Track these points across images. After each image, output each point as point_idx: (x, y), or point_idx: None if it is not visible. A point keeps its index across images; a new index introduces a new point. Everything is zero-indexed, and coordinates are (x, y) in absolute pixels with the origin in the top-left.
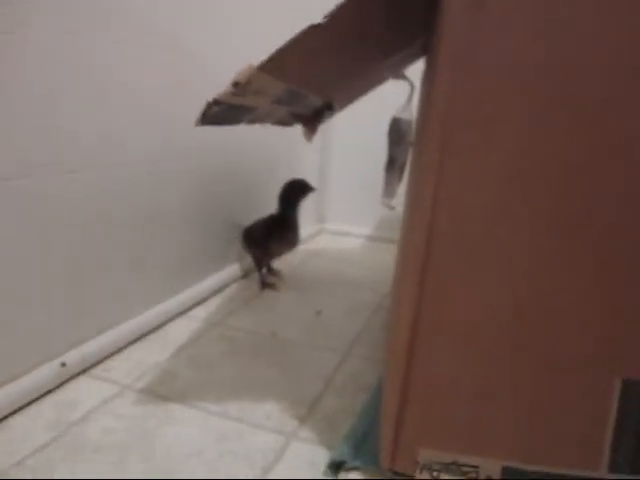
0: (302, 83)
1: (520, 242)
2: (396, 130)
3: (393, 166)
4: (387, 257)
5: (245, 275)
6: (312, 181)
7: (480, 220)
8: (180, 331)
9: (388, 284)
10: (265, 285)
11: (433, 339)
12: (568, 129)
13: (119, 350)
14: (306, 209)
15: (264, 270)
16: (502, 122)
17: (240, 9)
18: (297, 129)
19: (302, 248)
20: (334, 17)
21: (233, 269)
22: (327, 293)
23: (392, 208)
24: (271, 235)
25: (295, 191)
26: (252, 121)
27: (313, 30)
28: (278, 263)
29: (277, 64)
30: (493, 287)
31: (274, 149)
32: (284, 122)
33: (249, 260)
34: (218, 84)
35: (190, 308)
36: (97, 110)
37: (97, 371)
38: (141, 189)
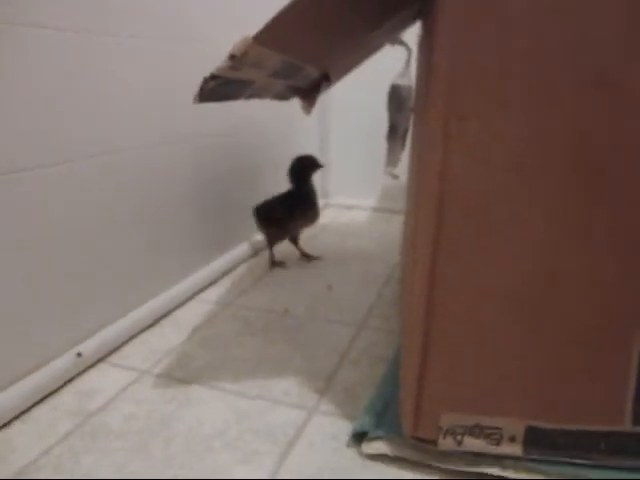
0: (297, 53)
1: (533, 207)
2: (396, 97)
3: (395, 134)
4: (393, 228)
5: (255, 254)
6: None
7: (491, 186)
8: (193, 314)
9: (396, 255)
10: (275, 264)
11: (451, 302)
12: (580, 88)
13: (134, 336)
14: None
15: (296, 246)
16: (511, 88)
17: None
18: (294, 103)
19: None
20: None
21: (242, 248)
22: (337, 267)
23: (396, 177)
24: (292, 212)
25: (304, 167)
26: (251, 96)
27: None
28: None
29: (272, 34)
30: (508, 251)
31: (271, 125)
32: (282, 96)
33: (258, 238)
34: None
35: (201, 290)
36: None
37: (114, 359)
38: (149, 171)
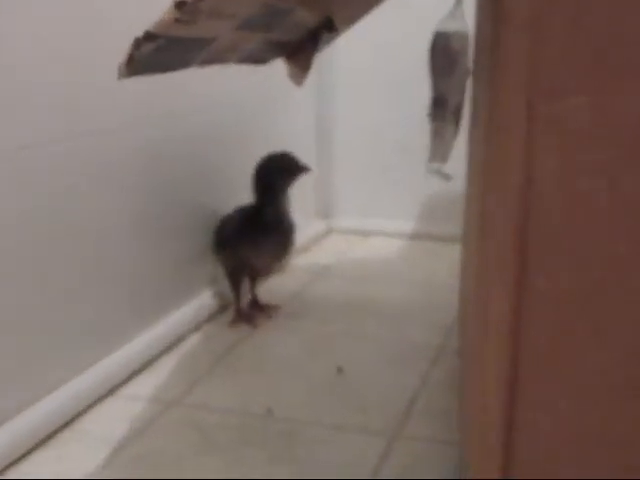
0: None
1: None
2: (443, 51)
3: (443, 110)
4: (444, 265)
5: (223, 308)
6: (307, 153)
7: (605, 199)
8: (113, 420)
9: (452, 310)
10: (241, 318)
11: (545, 388)
12: None
13: (17, 461)
14: (301, 199)
15: (251, 287)
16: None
17: None
18: (279, 69)
19: (300, 262)
20: None
21: (200, 302)
22: (350, 333)
23: (448, 179)
24: (243, 238)
25: (276, 172)
26: (207, 62)
27: None
28: (266, 289)
29: None
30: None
31: (244, 107)
32: (257, 58)
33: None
34: None
35: (127, 379)
36: None
37: None
38: (37, 182)
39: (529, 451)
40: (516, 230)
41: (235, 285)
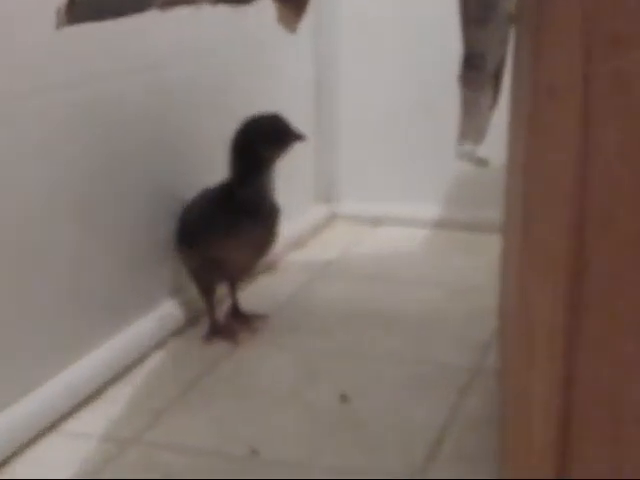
0: None
1: None
2: None
3: (478, 71)
4: (475, 261)
5: (193, 320)
6: (304, 118)
7: None
8: (51, 465)
9: (487, 320)
10: (217, 332)
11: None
12: None
13: None
14: (294, 178)
15: (232, 295)
16: None
17: None
18: (265, 10)
19: (294, 259)
20: None
21: (163, 312)
22: (357, 351)
23: (484, 164)
24: (213, 228)
25: (260, 140)
26: (169, 3)
27: None
28: (250, 295)
29: None
30: None
31: (220, 60)
32: None
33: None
34: None
35: (69, 413)
36: None
37: None
38: None
39: None
40: (569, 217)
41: (207, 290)
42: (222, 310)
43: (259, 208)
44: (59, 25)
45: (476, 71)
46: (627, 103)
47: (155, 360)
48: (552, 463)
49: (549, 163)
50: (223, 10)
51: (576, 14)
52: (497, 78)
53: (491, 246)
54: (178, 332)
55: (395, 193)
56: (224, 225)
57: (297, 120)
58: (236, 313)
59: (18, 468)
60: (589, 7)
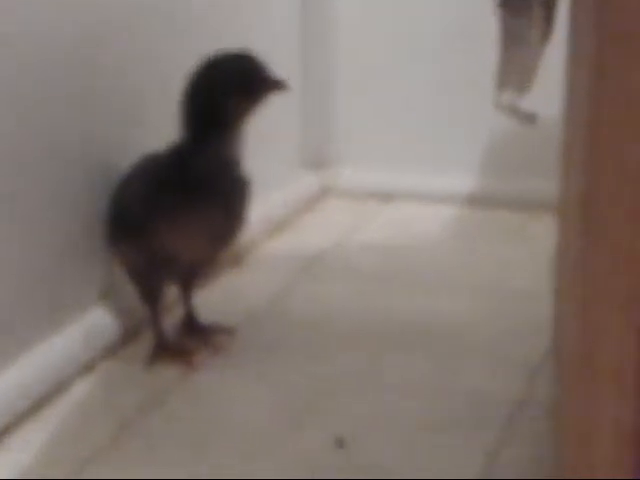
0: None
1: None
2: None
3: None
4: (522, 252)
5: (132, 335)
6: (287, 61)
7: None
8: None
9: (538, 336)
10: (166, 350)
11: None
12: None
13: None
14: (274, 138)
15: (185, 300)
16: None
17: None
18: None
19: (272, 249)
20: None
21: (89, 325)
22: (356, 378)
23: (530, 119)
24: (155, 211)
25: (224, 87)
26: None
27: None
28: (211, 300)
29: None
30: None
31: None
32: None
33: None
34: None
35: None
36: None
37: None
38: None
39: None
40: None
41: (150, 295)
42: (172, 321)
43: (220, 181)
44: None
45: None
46: None
47: (80, 390)
48: None
49: (620, 134)
50: None
51: None
52: (550, 4)
53: (543, 231)
54: (111, 351)
55: (410, 159)
56: (172, 205)
57: (278, 61)
58: (191, 325)
59: None
60: None
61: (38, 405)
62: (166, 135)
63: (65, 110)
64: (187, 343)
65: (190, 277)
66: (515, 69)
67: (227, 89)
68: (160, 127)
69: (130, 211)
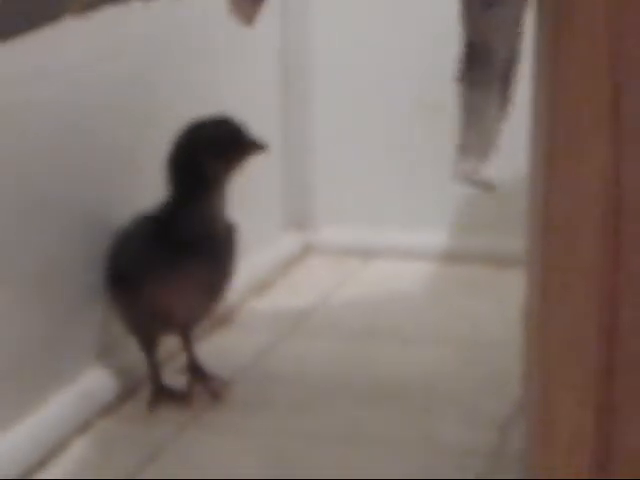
0: None
1: None
2: None
3: (483, 68)
4: (492, 304)
5: (128, 392)
6: (268, 123)
7: None
8: None
9: (509, 388)
10: (164, 394)
11: None
12: None
13: None
14: (258, 199)
15: (187, 349)
16: None
17: None
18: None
19: (258, 307)
20: None
21: (91, 383)
22: (340, 435)
23: (489, 187)
24: (147, 266)
25: (207, 150)
26: (91, 4)
27: None
28: (202, 356)
29: None
30: None
31: (161, 54)
32: None
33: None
34: None
35: None
36: None
37: None
38: None
39: None
40: (602, 251)
41: (147, 345)
42: (174, 368)
43: (207, 237)
44: None
45: (479, 67)
46: None
47: (77, 449)
48: None
49: (576, 191)
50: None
51: (602, 35)
52: (507, 77)
53: (514, 285)
54: (108, 410)
55: (388, 218)
56: (160, 264)
57: (258, 123)
58: (194, 370)
59: None
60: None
61: (39, 464)
62: (158, 194)
63: (62, 179)
64: (190, 388)
65: (186, 328)
66: (474, 140)
67: (206, 152)
68: (152, 187)
69: (125, 268)
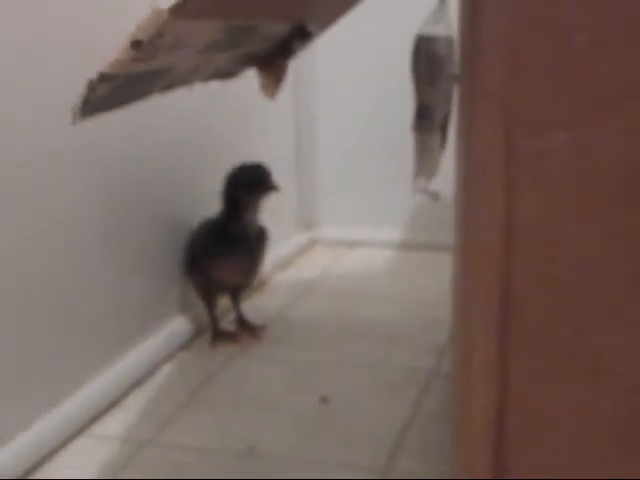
0: (251, 12)
1: None
2: (427, 57)
3: (429, 121)
4: (435, 278)
5: (198, 334)
6: (286, 160)
7: (595, 237)
8: (82, 464)
9: (443, 329)
10: (221, 336)
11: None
12: None
13: None
14: (280, 209)
15: (235, 308)
16: None
17: None
18: (249, 81)
19: (282, 278)
20: None
21: (173, 329)
22: (335, 358)
23: (435, 197)
24: (210, 254)
25: (243, 187)
26: (167, 87)
27: None
28: (248, 310)
29: None
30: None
31: (212, 121)
32: (225, 73)
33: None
34: None
35: (93, 419)
36: None
37: None
38: None
39: None
40: (499, 273)
41: (209, 304)
42: (229, 321)
43: (247, 236)
44: (75, 121)
45: (426, 120)
46: (542, 177)
47: (165, 371)
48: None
49: (478, 226)
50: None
51: (499, 103)
52: (444, 126)
53: (445, 264)
54: (185, 345)
55: (366, 220)
56: (220, 250)
57: (280, 160)
58: (242, 322)
59: (55, 467)
60: (509, 98)
61: (139, 382)
62: (215, 208)
63: (158, 196)
64: (237, 331)
65: (235, 294)
66: (424, 166)
67: (242, 190)
68: (212, 204)
69: (196, 255)
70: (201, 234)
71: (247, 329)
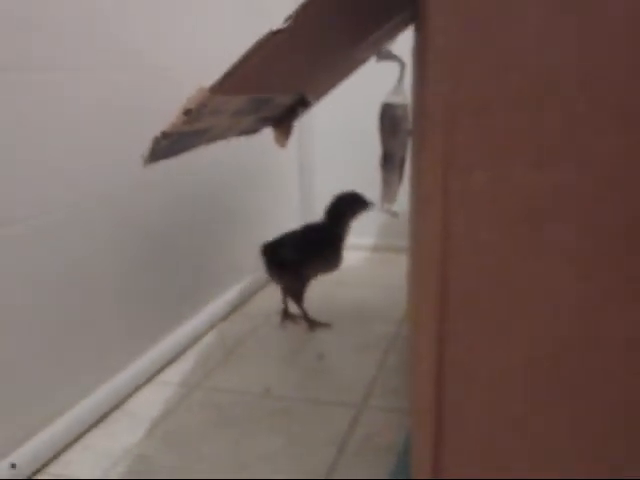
0: (267, 88)
1: (564, 263)
2: (389, 119)
3: (391, 163)
4: (397, 271)
5: (232, 311)
6: (293, 186)
7: (509, 244)
8: (151, 402)
9: (403, 306)
10: (314, 324)
11: (463, 390)
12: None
13: (79, 438)
14: (288, 221)
15: (299, 305)
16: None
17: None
18: (266, 134)
19: None
20: (297, 18)
21: (214, 307)
22: (327, 329)
23: (395, 215)
24: (309, 253)
25: (346, 206)
26: (210, 140)
27: (274, 36)
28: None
29: (234, 80)
30: (535, 317)
31: (239, 163)
32: (249, 131)
33: (234, 291)
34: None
35: (161, 369)
36: None
37: (55, 468)
38: (88, 233)
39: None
40: (439, 272)
41: (298, 300)
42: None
43: (335, 243)
44: (145, 164)
45: (389, 162)
46: (468, 210)
47: (209, 337)
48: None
49: (424, 238)
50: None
51: (439, 153)
52: (401, 166)
53: (403, 261)
54: (222, 319)
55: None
56: (312, 253)
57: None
58: (286, 313)
59: (131, 405)
60: (446, 148)
61: (184, 349)
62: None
63: (219, 229)
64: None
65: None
66: (387, 194)
67: (347, 207)
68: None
69: (287, 255)
70: (295, 235)
71: (308, 322)
